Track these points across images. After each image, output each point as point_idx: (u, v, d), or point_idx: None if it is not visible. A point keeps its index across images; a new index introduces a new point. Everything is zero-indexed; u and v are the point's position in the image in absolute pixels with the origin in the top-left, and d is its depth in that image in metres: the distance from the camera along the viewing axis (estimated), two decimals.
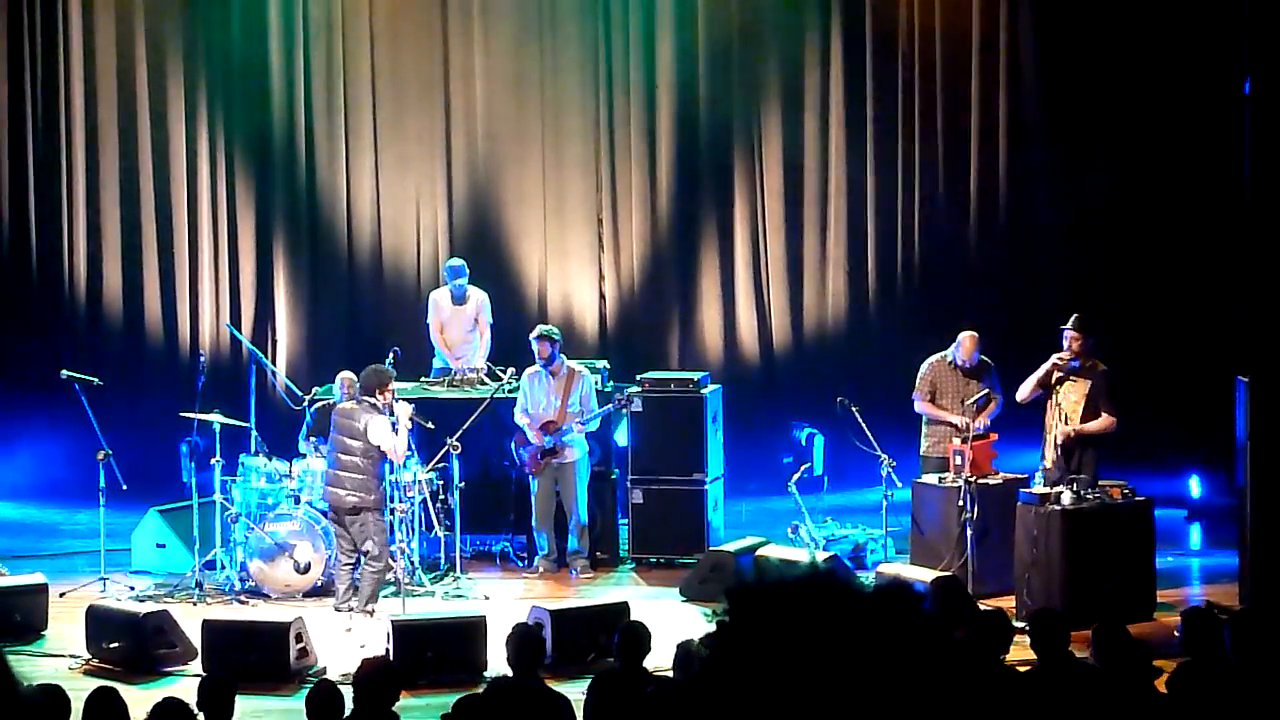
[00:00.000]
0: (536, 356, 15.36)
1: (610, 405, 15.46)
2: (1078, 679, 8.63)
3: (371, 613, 13.54)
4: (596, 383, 15.72)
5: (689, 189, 18.57)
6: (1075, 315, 14.45)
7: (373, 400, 13.83)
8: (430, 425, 14.81)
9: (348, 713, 8.67)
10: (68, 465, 17.31)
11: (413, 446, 14.72)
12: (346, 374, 14.88)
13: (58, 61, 18.30)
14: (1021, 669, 9.53)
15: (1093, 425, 14.26)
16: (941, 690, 2.53)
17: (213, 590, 14.50)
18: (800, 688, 2.49)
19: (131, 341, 18.52)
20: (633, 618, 10.12)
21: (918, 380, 15.09)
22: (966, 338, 15.04)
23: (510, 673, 9.45)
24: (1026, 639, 9.49)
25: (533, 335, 15.52)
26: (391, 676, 8.83)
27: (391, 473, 14.42)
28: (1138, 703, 8.28)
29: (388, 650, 12.07)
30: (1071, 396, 14.33)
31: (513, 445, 15.47)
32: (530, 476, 15.40)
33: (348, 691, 8.85)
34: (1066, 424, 14.25)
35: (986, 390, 14.81)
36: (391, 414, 13.86)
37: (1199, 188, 17.23)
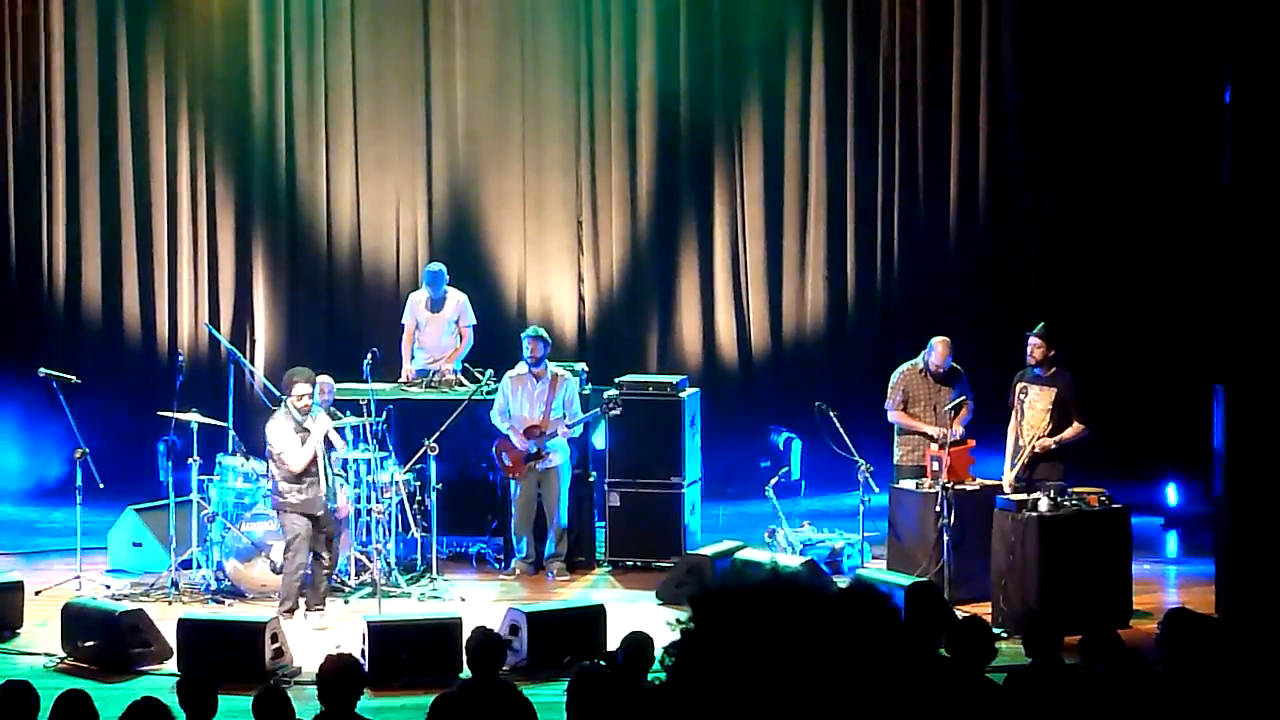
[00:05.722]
0: (527, 355, 15.24)
1: (597, 410, 15.38)
2: (1069, 682, 8.63)
3: (291, 613, 13.53)
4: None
5: (669, 192, 18.56)
6: (1042, 324, 14.42)
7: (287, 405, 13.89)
8: (367, 432, 14.68)
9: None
10: (45, 463, 17.28)
11: (390, 447, 14.72)
12: (324, 379, 14.74)
13: (38, 61, 18.26)
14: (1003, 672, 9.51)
15: (1065, 435, 14.21)
16: (909, 693, 2.53)
17: (189, 589, 14.48)
18: (765, 692, 2.49)
19: (110, 340, 18.48)
20: (635, 629, 10.01)
21: (889, 390, 15.04)
22: (939, 343, 15.01)
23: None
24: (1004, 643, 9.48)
25: (525, 334, 15.40)
26: (355, 675, 8.77)
27: (369, 473, 14.43)
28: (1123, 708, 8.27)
29: (361, 650, 12.05)
30: (1038, 405, 14.22)
31: (494, 449, 15.39)
32: (512, 480, 15.36)
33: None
34: (1040, 436, 14.14)
35: (962, 397, 14.77)
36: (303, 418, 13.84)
37: (1178, 194, 17.26)
